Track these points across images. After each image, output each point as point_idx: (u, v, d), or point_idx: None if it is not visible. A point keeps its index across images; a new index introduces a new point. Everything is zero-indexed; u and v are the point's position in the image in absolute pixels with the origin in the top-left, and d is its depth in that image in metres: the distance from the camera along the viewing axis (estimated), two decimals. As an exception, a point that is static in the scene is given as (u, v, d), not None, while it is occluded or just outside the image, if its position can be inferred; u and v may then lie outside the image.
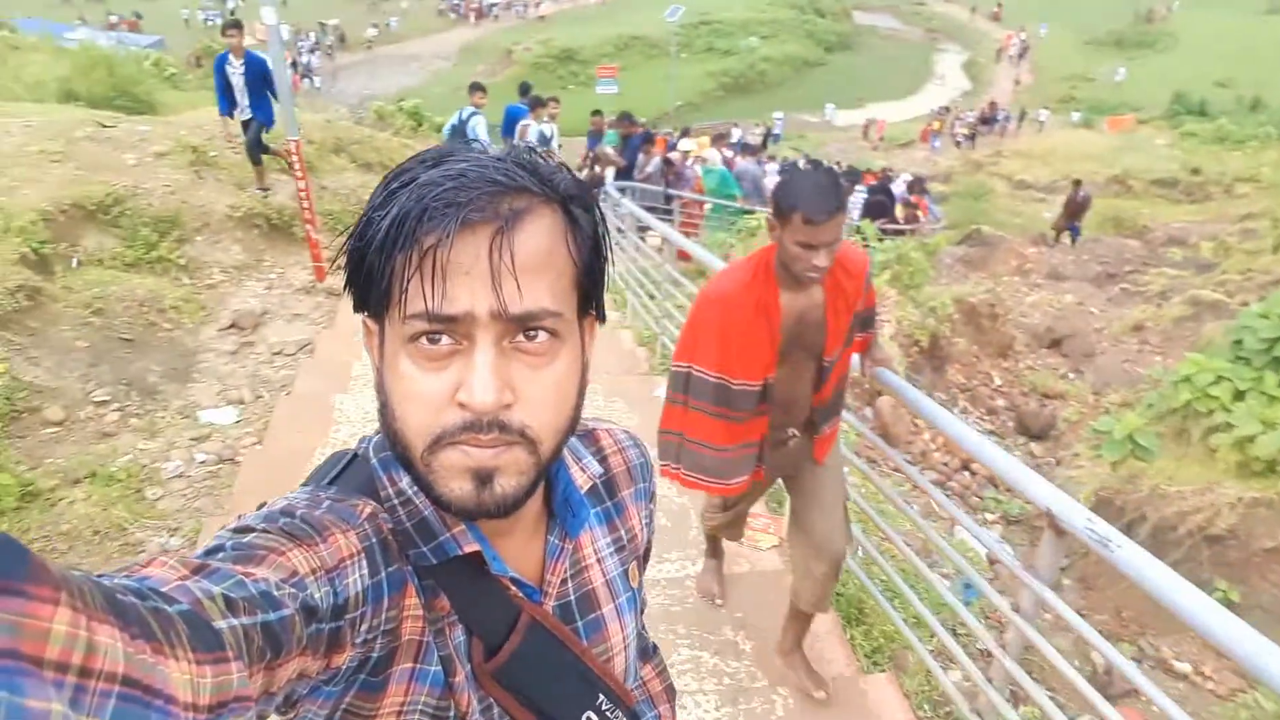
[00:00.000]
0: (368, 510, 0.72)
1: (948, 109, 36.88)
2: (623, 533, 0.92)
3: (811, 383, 2.42)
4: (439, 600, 0.75)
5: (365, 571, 0.67)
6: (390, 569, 0.71)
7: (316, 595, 0.60)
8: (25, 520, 3.67)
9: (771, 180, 12.17)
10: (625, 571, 0.91)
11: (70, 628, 0.38)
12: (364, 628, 0.66)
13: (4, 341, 4.70)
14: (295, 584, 0.59)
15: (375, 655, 0.70)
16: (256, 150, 7.60)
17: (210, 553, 0.59)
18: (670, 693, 1.17)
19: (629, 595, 0.90)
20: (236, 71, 7.53)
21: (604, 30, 43.13)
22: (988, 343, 8.91)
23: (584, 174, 10.21)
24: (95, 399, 4.76)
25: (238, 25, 7.77)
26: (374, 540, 0.70)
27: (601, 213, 0.75)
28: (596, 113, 10.75)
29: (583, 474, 0.86)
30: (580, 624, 0.85)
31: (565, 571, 0.84)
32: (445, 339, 0.66)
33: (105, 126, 7.46)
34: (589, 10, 48.48)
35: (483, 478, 0.68)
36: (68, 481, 4.01)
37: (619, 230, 7.24)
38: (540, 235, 0.68)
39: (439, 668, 0.74)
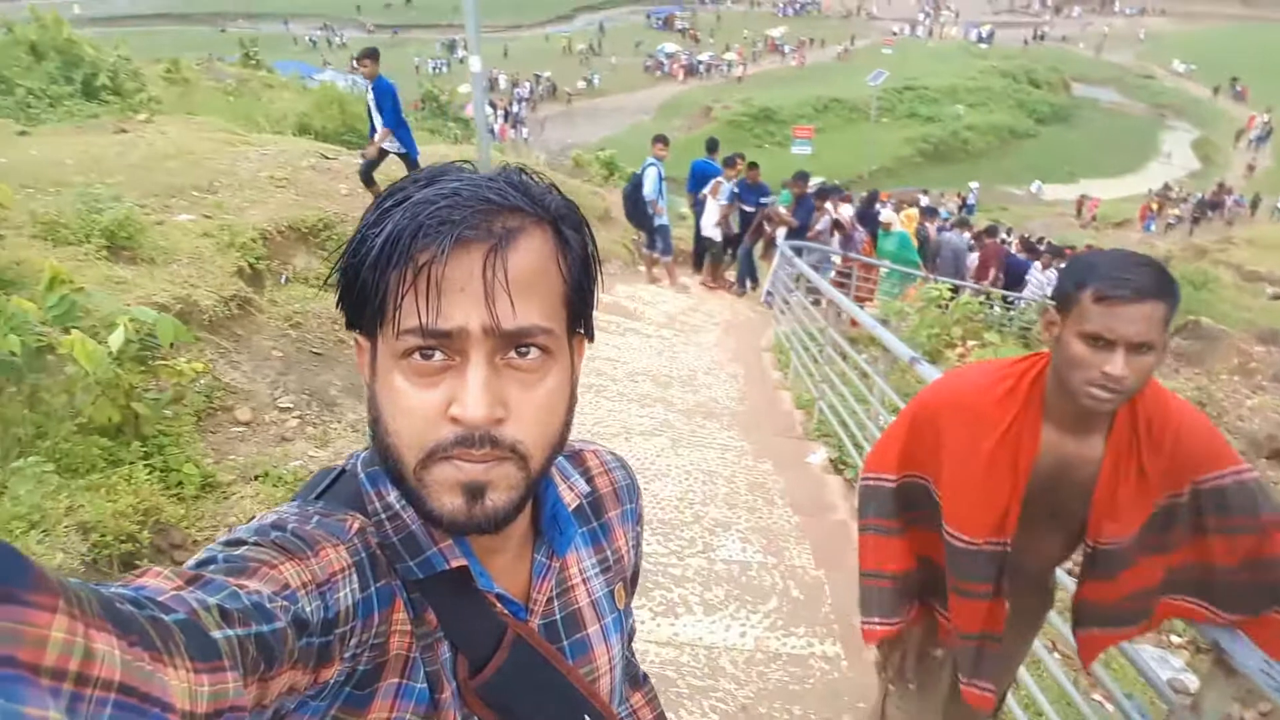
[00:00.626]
0: (356, 525, 0.72)
1: (1169, 188, 34.14)
2: (609, 553, 0.92)
3: (1058, 562, 1.80)
4: (427, 615, 0.75)
5: (355, 586, 0.67)
6: (379, 584, 0.70)
7: (308, 609, 0.60)
8: (200, 509, 3.98)
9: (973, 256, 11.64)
10: (611, 592, 0.91)
11: (67, 635, 0.38)
12: (353, 642, 0.66)
13: (213, 345, 5.18)
14: (287, 597, 0.58)
15: (362, 669, 0.69)
16: (366, 175, 7.72)
17: (202, 564, 0.59)
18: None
19: (615, 616, 0.90)
20: (369, 98, 7.75)
21: (804, 92, 43.31)
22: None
23: (759, 236, 10.15)
24: (280, 405, 5.14)
25: (370, 54, 7.82)
26: (363, 555, 0.70)
27: (591, 233, 0.76)
28: (801, 175, 10.31)
29: (570, 492, 0.87)
30: (566, 643, 0.85)
31: (551, 590, 0.84)
32: (438, 355, 0.67)
33: (327, 158, 8.19)
34: (790, 72, 48.83)
35: (474, 492, 0.68)
36: (243, 478, 4.33)
37: (789, 289, 7.12)
38: (533, 253, 0.69)
39: (425, 685, 0.73)
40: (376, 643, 0.70)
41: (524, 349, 0.69)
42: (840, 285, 8.72)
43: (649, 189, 9.44)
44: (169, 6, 57.57)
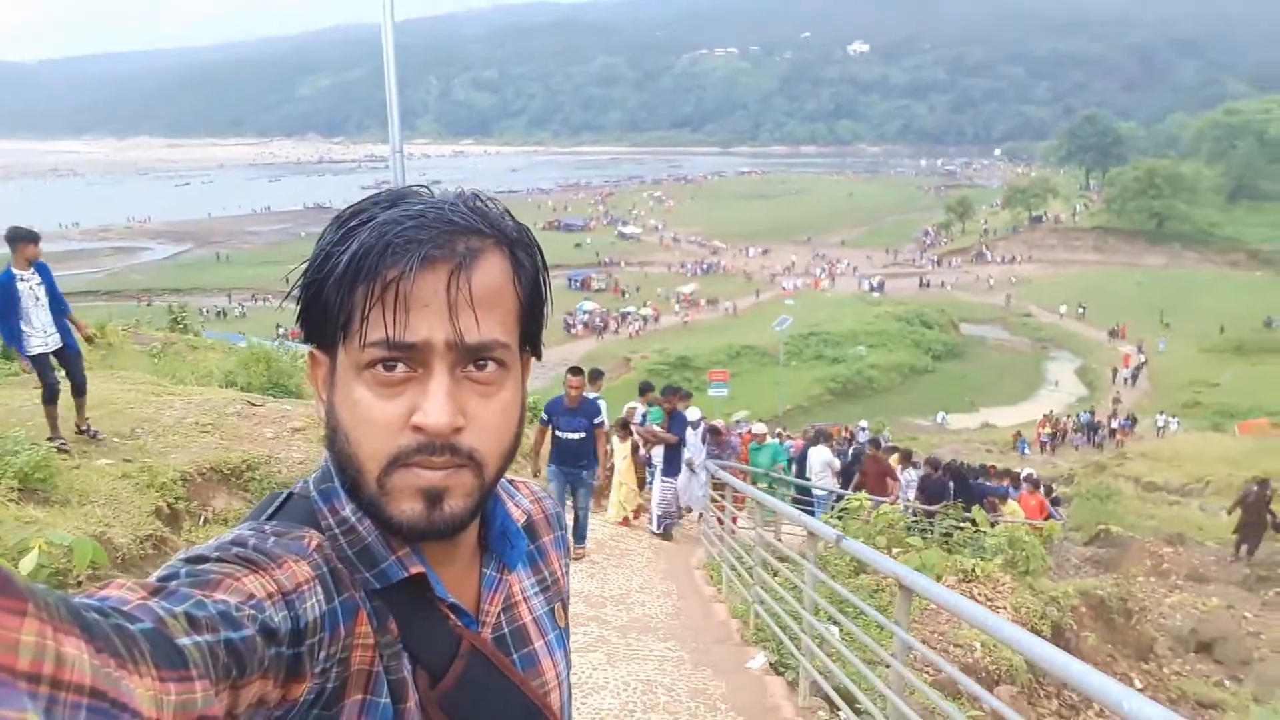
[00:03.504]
0: (315, 541, 0.73)
1: (1050, 416, 36.66)
2: (545, 574, 0.95)
3: None
4: (389, 625, 0.75)
5: (320, 598, 0.67)
6: (342, 596, 0.71)
7: (276, 618, 0.60)
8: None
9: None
10: (551, 611, 0.94)
11: (39, 638, 0.38)
12: (322, 655, 0.66)
13: (123, 585, 4.98)
14: (254, 606, 0.59)
15: (329, 687, 0.69)
16: None
17: (166, 579, 0.59)
18: None
19: (557, 634, 0.93)
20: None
21: (716, 340, 45.95)
22: (1123, 642, 8.09)
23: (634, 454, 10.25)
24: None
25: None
26: (325, 569, 0.70)
27: (542, 255, 0.80)
28: (671, 389, 10.29)
29: (517, 509, 0.91)
30: (516, 656, 0.86)
31: (500, 604, 0.86)
32: (401, 366, 0.70)
33: (254, 405, 8.28)
34: (708, 323, 52.03)
35: (433, 498, 0.71)
36: None
37: (718, 507, 7.27)
38: (493, 273, 0.73)
39: (388, 699, 0.73)
40: (342, 657, 0.70)
41: (482, 362, 0.72)
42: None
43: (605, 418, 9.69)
44: (97, 284, 59.04)
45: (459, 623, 0.80)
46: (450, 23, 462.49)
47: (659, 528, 9.25)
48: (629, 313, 52.54)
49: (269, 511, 0.79)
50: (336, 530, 0.77)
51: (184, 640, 0.49)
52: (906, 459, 13.08)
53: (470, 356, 0.72)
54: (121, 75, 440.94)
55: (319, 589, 0.68)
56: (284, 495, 0.81)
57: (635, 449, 9.97)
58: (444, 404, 0.69)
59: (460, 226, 0.72)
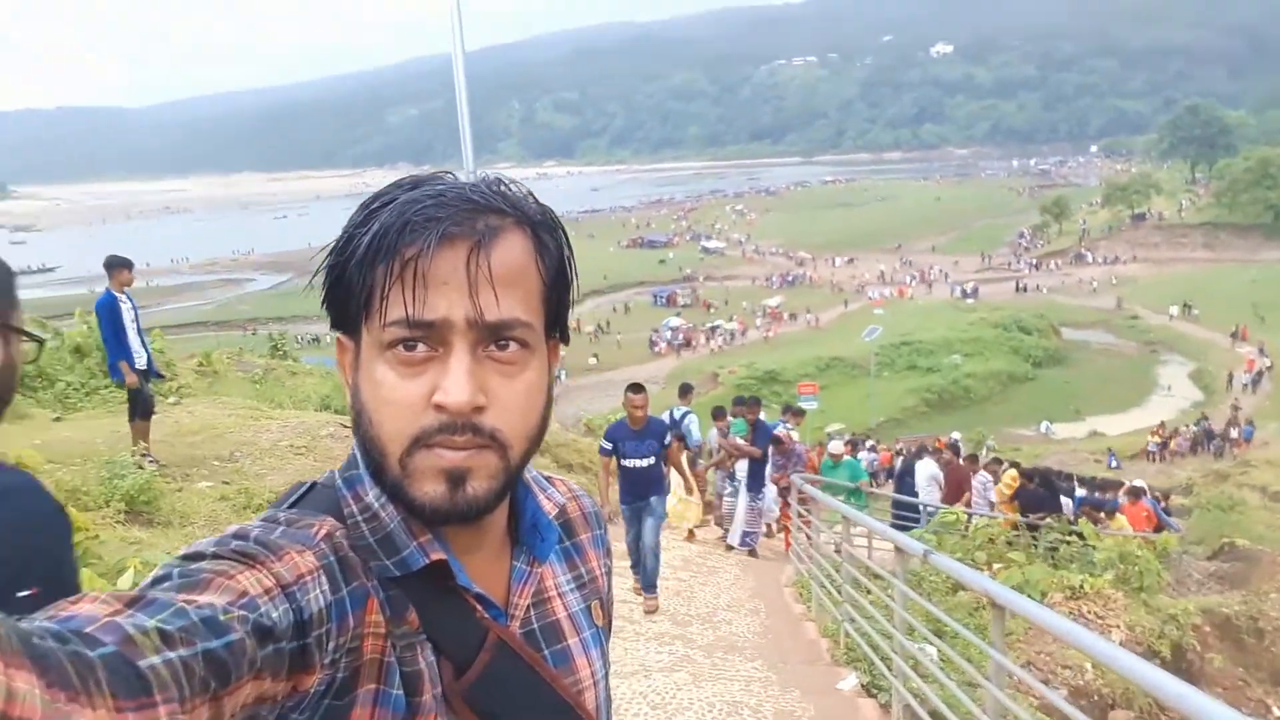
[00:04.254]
0: (324, 530, 0.72)
1: (1164, 425, 34.58)
2: (582, 571, 0.94)
3: None
4: (408, 615, 0.74)
5: (326, 588, 0.66)
6: (351, 585, 0.70)
7: (273, 615, 0.59)
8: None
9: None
10: (588, 608, 0.92)
11: None
12: (330, 646, 0.66)
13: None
14: (245, 605, 0.57)
15: (340, 676, 0.68)
16: None
17: (157, 582, 0.58)
18: None
19: (593, 632, 0.91)
20: None
21: (805, 353, 45.26)
22: (1256, 665, 7.50)
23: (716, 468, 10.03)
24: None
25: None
26: (332, 559, 0.69)
27: (566, 237, 0.80)
28: (753, 400, 9.78)
29: (549, 502, 0.88)
30: (547, 652, 0.84)
31: (530, 597, 0.85)
32: (422, 346, 0.70)
33: (346, 427, 8.50)
34: (792, 336, 51.39)
35: (455, 479, 0.71)
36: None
37: (805, 523, 7.06)
38: (514, 251, 0.73)
39: (401, 691, 0.72)
40: (352, 646, 0.69)
41: (504, 342, 0.72)
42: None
43: (696, 435, 9.54)
44: (206, 316, 62.17)
45: (486, 615, 0.79)
46: (529, 48, 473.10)
47: (742, 543, 9.02)
48: (717, 326, 52.25)
49: (290, 500, 0.78)
50: (359, 517, 0.76)
51: (152, 660, 0.48)
52: (974, 462, 12.58)
53: (491, 335, 0.71)
54: (222, 115, 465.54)
55: (324, 579, 0.67)
56: (308, 485, 0.80)
57: (693, 461, 9.70)
58: (464, 382, 0.69)
59: (480, 205, 0.72)
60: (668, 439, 6.46)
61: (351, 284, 0.72)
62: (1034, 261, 74.56)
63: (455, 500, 0.71)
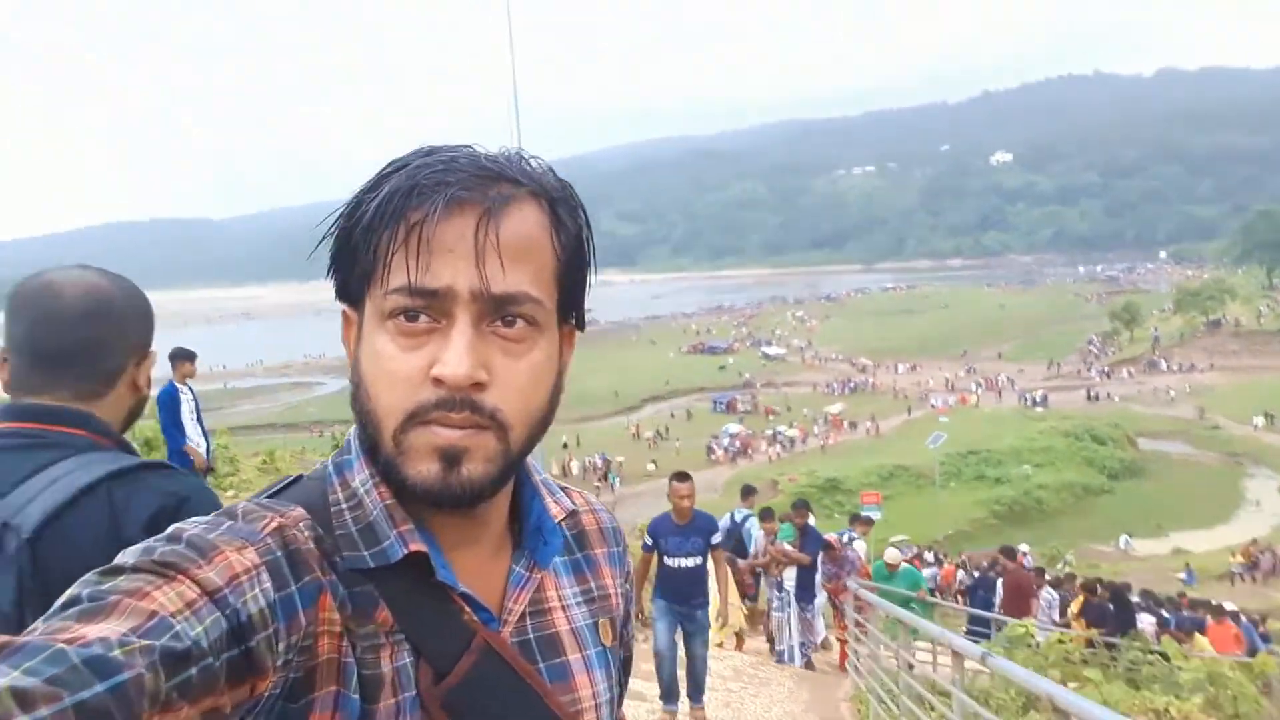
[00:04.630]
0: (274, 523, 0.67)
1: (1255, 542, 32.56)
2: (593, 585, 0.88)
3: None
4: (377, 613, 0.69)
5: (269, 585, 0.62)
6: (303, 580, 0.65)
7: (191, 633, 0.54)
8: None
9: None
10: (595, 625, 0.86)
11: None
12: (281, 646, 0.61)
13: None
14: (153, 628, 0.52)
15: (294, 677, 0.64)
16: None
17: (65, 606, 0.54)
18: None
19: (599, 650, 0.85)
20: None
21: (867, 461, 44.29)
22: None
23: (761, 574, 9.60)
24: None
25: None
26: (279, 554, 0.65)
27: (587, 216, 0.76)
28: (801, 503, 9.18)
29: (556, 506, 0.84)
30: (543, 665, 0.78)
31: (527, 606, 0.79)
32: (424, 317, 0.67)
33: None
34: (852, 444, 50.48)
35: (451, 459, 0.67)
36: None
37: (862, 633, 6.75)
38: (526, 223, 0.69)
39: (367, 698, 0.67)
40: (305, 645, 0.65)
41: (511, 318, 0.68)
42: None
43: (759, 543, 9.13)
44: (276, 418, 63.90)
45: (475, 617, 0.74)
46: (592, 161, 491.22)
47: (798, 660, 8.60)
48: (779, 433, 51.56)
49: (270, 492, 0.75)
50: (344, 504, 0.72)
51: None
52: (1040, 576, 11.97)
53: (497, 309, 0.68)
54: (302, 225, 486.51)
55: (265, 576, 0.62)
56: (294, 478, 0.77)
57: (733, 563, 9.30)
58: (464, 354, 0.65)
59: (494, 172, 0.69)
60: (716, 537, 5.90)
61: (356, 249, 0.69)
62: (1105, 369, 72.61)
63: (449, 481, 0.67)
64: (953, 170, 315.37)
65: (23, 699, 0.44)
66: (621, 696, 0.93)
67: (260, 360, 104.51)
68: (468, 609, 0.73)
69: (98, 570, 0.58)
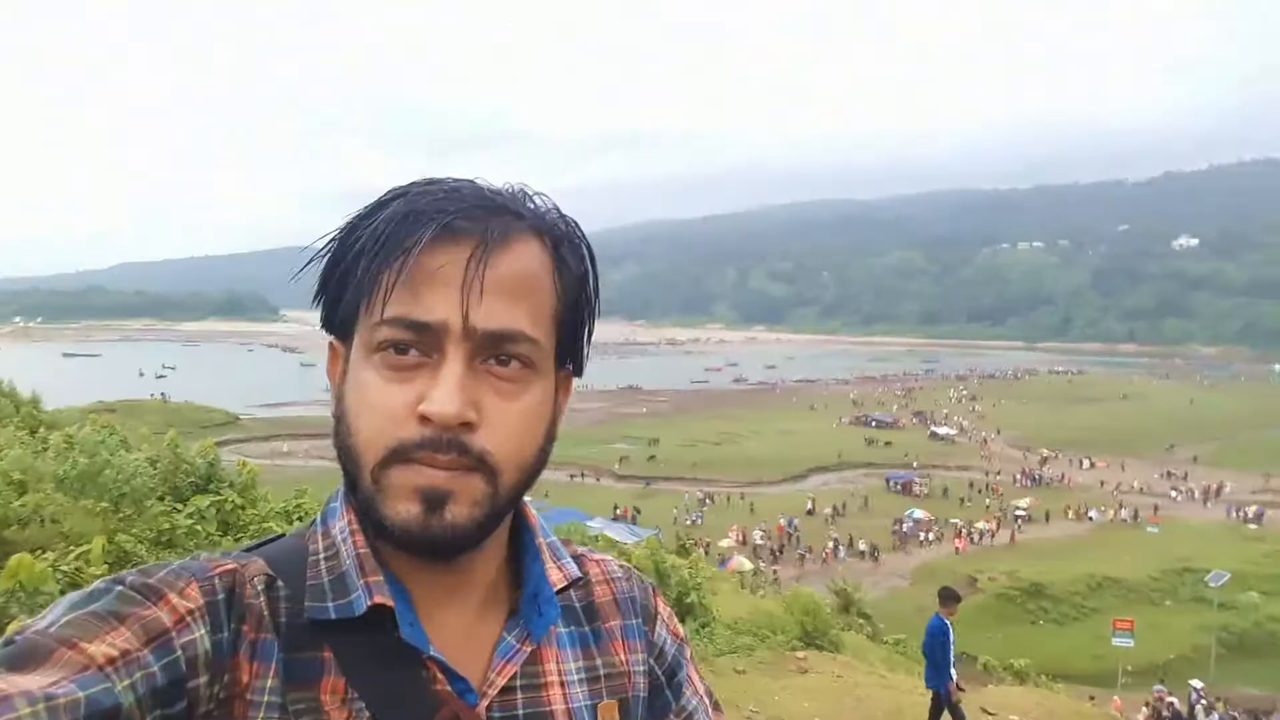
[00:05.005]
0: (228, 567, 0.65)
1: None
2: (599, 663, 0.80)
3: None
4: (323, 681, 0.64)
5: (209, 628, 0.60)
6: (233, 626, 0.63)
7: (122, 684, 0.52)
8: None
9: None
10: (594, 707, 0.77)
11: None
12: (205, 696, 0.59)
13: None
14: (81, 681, 0.50)
15: None
16: None
17: (2, 645, 0.53)
18: None
19: None
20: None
21: (1069, 566, 41.55)
22: None
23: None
24: None
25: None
26: (220, 596, 0.63)
27: (593, 257, 0.72)
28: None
29: (558, 572, 0.78)
30: None
31: (516, 679, 0.73)
32: (414, 351, 0.64)
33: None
34: (1046, 543, 47.53)
35: (433, 501, 0.63)
36: None
37: None
38: (526, 259, 0.67)
39: None
40: (224, 697, 0.61)
41: (505, 358, 0.66)
42: None
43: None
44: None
45: (449, 687, 0.67)
46: (748, 218, 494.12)
47: None
48: (980, 527, 49.07)
49: (248, 546, 0.72)
50: (321, 555, 0.69)
51: None
52: None
53: (491, 347, 0.65)
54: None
55: (206, 618, 0.60)
56: (279, 535, 0.74)
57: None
58: (454, 392, 0.62)
59: (496, 205, 0.66)
60: None
61: (347, 276, 0.66)
62: (1324, 485, 65.74)
63: (429, 525, 0.63)
64: (1131, 251, 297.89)
65: None
66: None
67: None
68: (441, 677, 0.68)
69: (39, 618, 0.56)
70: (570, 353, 0.73)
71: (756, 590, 19.79)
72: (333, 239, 0.69)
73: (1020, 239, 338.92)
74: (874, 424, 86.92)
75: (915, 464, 67.99)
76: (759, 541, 43.60)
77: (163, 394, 75.20)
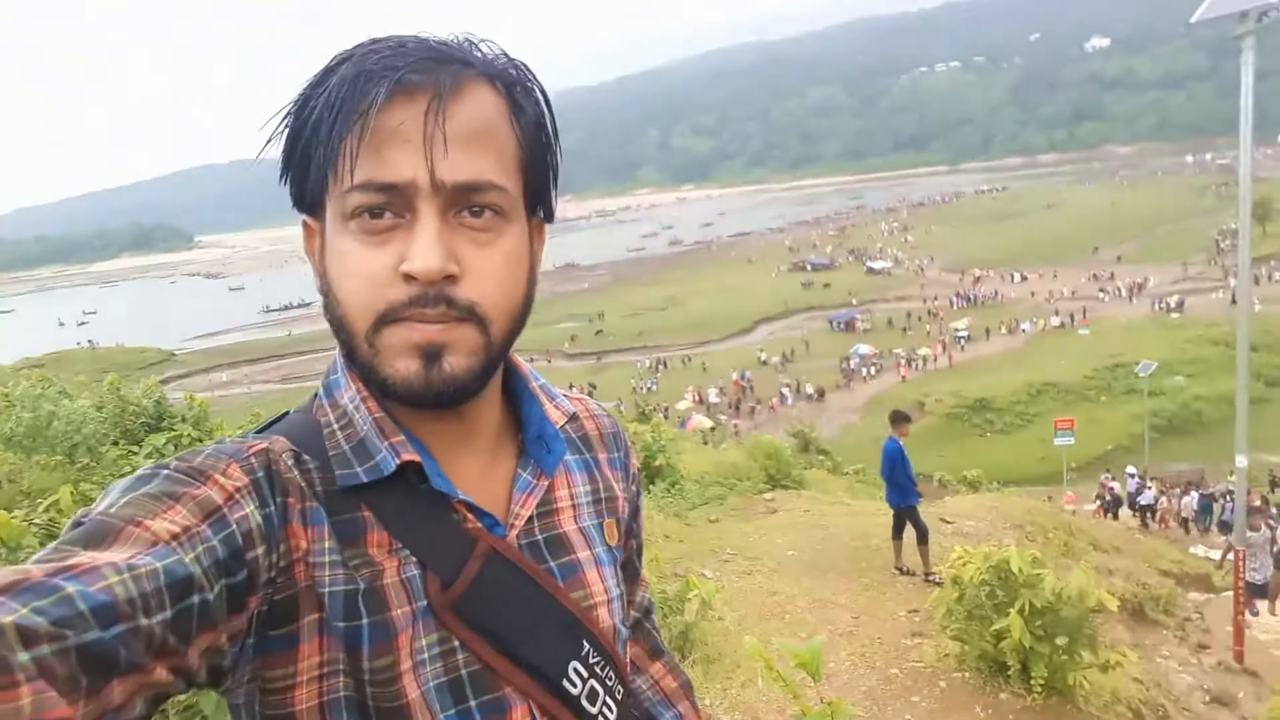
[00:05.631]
0: (259, 446, 0.67)
1: None
2: (600, 486, 0.88)
3: None
4: (369, 535, 0.68)
5: (256, 503, 0.63)
6: (279, 500, 0.65)
7: (189, 557, 0.55)
8: None
9: None
10: (601, 525, 0.85)
11: None
12: (267, 563, 0.62)
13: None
14: (157, 554, 0.53)
15: (276, 599, 0.64)
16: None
17: (72, 527, 0.55)
18: (687, 688, 1.06)
19: (606, 549, 0.84)
20: None
21: (1010, 378, 43.53)
22: None
23: None
24: None
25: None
26: (261, 474, 0.65)
27: (548, 99, 0.72)
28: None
29: (556, 410, 0.83)
30: (554, 564, 0.78)
31: (534, 509, 0.79)
32: (388, 213, 0.64)
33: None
34: (986, 360, 49.57)
35: (430, 355, 0.65)
36: None
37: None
38: (482, 106, 0.67)
39: (355, 621, 0.66)
40: (284, 566, 0.64)
41: (477, 209, 0.66)
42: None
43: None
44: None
45: (479, 524, 0.73)
46: (664, 75, 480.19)
47: None
48: (921, 354, 50.71)
49: (263, 426, 0.74)
50: (335, 425, 0.71)
51: (14, 656, 0.43)
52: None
53: (461, 199, 0.65)
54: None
55: (252, 493, 0.63)
56: (281, 414, 0.76)
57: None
58: (433, 247, 0.63)
59: (444, 54, 0.66)
60: None
61: (309, 150, 0.66)
62: (1235, 269, 68.98)
63: (430, 378, 0.65)
64: (1045, 61, 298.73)
65: (27, 637, 0.44)
66: (633, 593, 0.98)
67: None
68: (470, 516, 0.73)
69: (98, 500, 0.58)
70: (539, 199, 0.74)
71: (720, 445, 20.43)
72: (288, 113, 0.68)
73: (937, 61, 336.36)
74: (811, 267, 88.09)
75: (855, 301, 69.49)
76: (714, 400, 44.60)
77: (89, 341, 72.80)
